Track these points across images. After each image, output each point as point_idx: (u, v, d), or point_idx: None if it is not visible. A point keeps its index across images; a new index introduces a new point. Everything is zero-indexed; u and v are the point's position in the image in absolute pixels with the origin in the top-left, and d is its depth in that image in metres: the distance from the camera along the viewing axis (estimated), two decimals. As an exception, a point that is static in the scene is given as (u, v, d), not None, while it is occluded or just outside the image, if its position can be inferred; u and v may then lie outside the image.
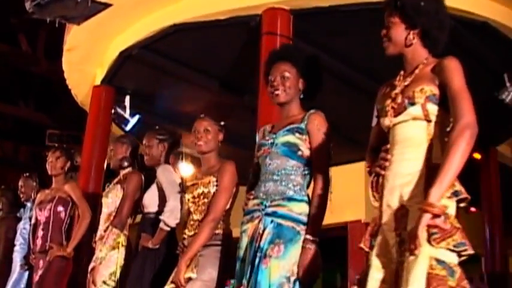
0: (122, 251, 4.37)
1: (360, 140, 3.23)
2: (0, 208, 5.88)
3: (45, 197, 4.98)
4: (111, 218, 4.45)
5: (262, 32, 5.68)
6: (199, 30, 6.15)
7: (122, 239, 4.39)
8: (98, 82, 7.16)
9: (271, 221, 3.20)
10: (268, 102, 4.86)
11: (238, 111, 7.04)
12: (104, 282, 4.29)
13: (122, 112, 7.29)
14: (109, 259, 4.33)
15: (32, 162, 9.62)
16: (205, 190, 3.68)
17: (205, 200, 3.66)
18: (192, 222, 3.72)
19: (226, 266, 3.64)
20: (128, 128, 7.30)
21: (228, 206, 3.64)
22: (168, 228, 4.05)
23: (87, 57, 7.04)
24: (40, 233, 4.86)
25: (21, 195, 5.60)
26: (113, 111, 7.18)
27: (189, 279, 3.48)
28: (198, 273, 3.47)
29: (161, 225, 4.06)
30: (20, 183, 5.63)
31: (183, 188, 3.94)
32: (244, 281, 3.19)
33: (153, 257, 4.09)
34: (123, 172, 4.62)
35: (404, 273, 2.48)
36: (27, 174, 5.70)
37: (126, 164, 4.61)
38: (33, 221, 5.10)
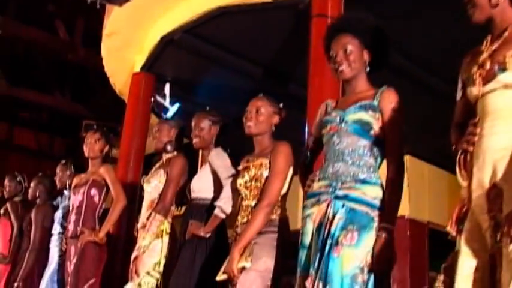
0: (166, 240, 4.09)
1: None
2: (37, 196, 5.62)
3: (79, 181, 4.71)
4: (154, 204, 4.16)
5: (312, 15, 5.35)
6: (245, 13, 5.84)
7: (166, 226, 4.10)
8: (137, 69, 6.90)
9: (343, 205, 2.90)
10: (318, 90, 4.54)
11: (283, 101, 6.71)
12: (148, 273, 4.01)
13: (161, 100, 7.04)
14: (153, 248, 4.05)
15: (67, 154, 9.40)
16: (258, 173, 3.39)
17: (258, 184, 3.38)
18: (244, 208, 3.43)
19: (283, 255, 3.34)
20: (168, 116, 7.02)
21: (284, 191, 3.36)
22: (224, 216, 3.75)
23: (126, 43, 6.80)
24: (72, 217, 4.58)
25: (58, 183, 5.34)
26: (152, 99, 6.89)
27: (243, 268, 3.19)
28: (252, 263, 3.17)
29: (217, 212, 3.75)
30: (57, 170, 5.37)
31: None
32: (312, 271, 2.87)
33: (204, 245, 3.79)
34: (166, 156, 4.33)
35: (505, 263, 2.18)
36: (64, 161, 5.43)
37: (170, 148, 4.33)
38: (70, 207, 4.83)
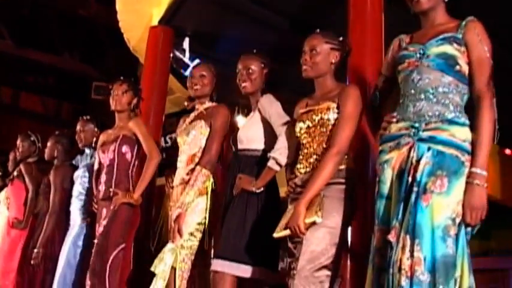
0: (210, 198, 3.70)
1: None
2: (55, 156, 5.21)
3: (107, 138, 4.30)
4: (196, 158, 3.78)
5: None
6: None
7: (211, 183, 3.72)
8: (154, 23, 6.43)
9: (429, 148, 2.56)
10: (358, 43, 4.12)
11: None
12: (191, 234, 3.64)
13: (180, 56, 6.60)
14: (196, 206, 3.67)
15: (75, 119, 9.00)
16: (325, 117, 3.02)
17: (323, 130, 3.05)
18: (306, 157, 3.06)
19: (352, 209, 2.98)
20: (187, 72, 6.58)
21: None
22: (279, 168, 3.37)
23: (143, -5, 6.34)
24: (103, 177, 4.17)
25: (79, 141, 4.92)
26: (171, 55, 6.46)
27: (311, 224, 2.81)
28: (323, 218, 2.79)
29: (271, 164, 3.36)
30: (79, 127, 4.93)
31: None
32: (396, 223, 2.52)
33: (255, 201, 3.41)
34: (204, 106, 3.94)
35: None
36: (88, 117, 5.00)
37: (215, 97, 3.96)
38: (96, 166, 4.43)
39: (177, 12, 6.28)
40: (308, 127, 3.09)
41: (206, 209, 3.69)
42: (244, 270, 3.31)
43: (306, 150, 3.08)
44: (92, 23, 9.47)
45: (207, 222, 3.67)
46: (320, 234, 2.85)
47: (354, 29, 4.29)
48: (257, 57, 3.67)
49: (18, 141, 5.81)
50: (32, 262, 4.86)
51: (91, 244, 4.59)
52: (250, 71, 3.62)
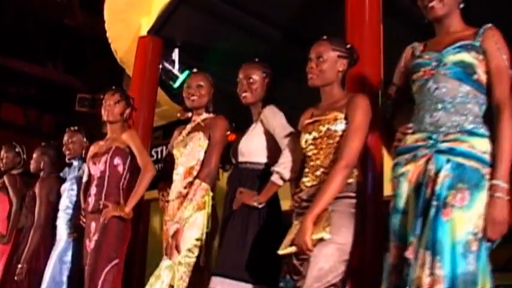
0: (208, 213, 3.55)
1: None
2: (42, 168, 5.01)
3: (99, 149, 4.13)
4: (194, 171, 3.63)
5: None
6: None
7: (209, 198, 3.57)
8: (143, 33, 6.27)
9: (448, 160, 2.43)
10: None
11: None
12: (189, 250, 3.48)
13: (170, 67, 6.43)
14: (194, 221, 3.52)
15: (57, 131, 8.79)
16: (332, 128, 2.88)
17: (330, 141, 2.92)
18: (312, 170, 2.92)
19: (362, 225, 2.85)
20: (177, 85, 6.44)
21: None
22: (282, 183, 3.23)
23: (132, 4, 6.18)
24: (93, 190, 3.99)
25: (68, 152, 4.72)
26: (160, 66, 6.31)
27: (319, 240, 2.68)
28: (331, 234, 2.66)
29: (274, 178, 3.22)
30: (66, 138, 4.73)
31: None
32: (413, 239, 2.39)
33: (256, 217, 3.27)
34: (202, 117, 3.80)
35: None
36: (76, 128, 4.81)
37: (211, 107, 3.83)
38: (85, 178, 4.26)
39: (166, 22, 6.11)
40: (314, 138, 2.96)
41: (204, 225, 3.53)
42: (244, 288, 3.17)
43: (312, 163, 2.95)
44: (77, 33, 9.28)
45: (203, 238, 3.51)
46: (328, 250, 2.71)
47: (352, 39, 4.18)
48: (259, 66, 3.56)
49: (2, 152, 5.60)
50: (15, 278, 4.65)
51: (78, 260, 4.44)
52: (251, 80, 3.50)
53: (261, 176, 3.37)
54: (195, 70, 3.94)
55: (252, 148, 3.43)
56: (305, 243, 2.66)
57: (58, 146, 4.96)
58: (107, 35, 6.72)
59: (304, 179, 2.96)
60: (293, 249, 2.75)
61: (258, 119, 3.48)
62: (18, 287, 4.70)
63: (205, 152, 3.65)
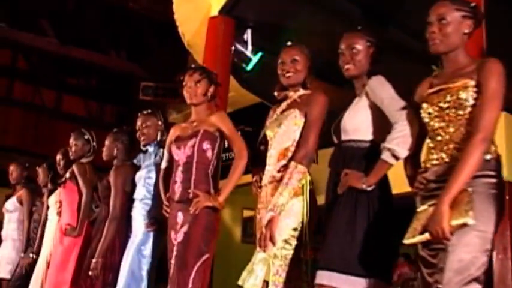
0: (306, 199, 3.17)
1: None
2: (115, 155, 4.67)
3: (183, 132, 3.78)
4: (289, 153, 3.25)
5: None
6: None
7: (307, 181, 3.19)
8: (214, 13, 5.93)
9: None
10: None
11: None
12: (286, 241, 3.11)
13: (242, 49, 6.08)
14: (290, 208, 3.14)
15: (118, 122, 8.54)
16: (463, 96, 2.50)
17: (460, 112, 2.52)
18: (441, 145, 2.55)
19: (502, 208, 2.43)
20: (249, 67, 6.11)
21: None
22: (395, 162, 2.82)
23: (202, -17, 5.85)
24: (179, 177, 3.63)
25: (143, 138, 4.37)
26: (232, 48, 5.95)
27: (459, 227, 2.26)
28: (474, 219, 2.25)
29: (385, 156, 2.83)
30: (140, 122, 4.37)
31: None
32: None
33: (365, 201, 2.88)
34: (298, 93, 3.41)
35: None
36: (149, 111, 4.47)
37: (309, 82, 3.43)
38: (164, 164, 3.92)
39: (238, 1, 5.78)
40: (440, 110, 2.58)
41: (303, 212, 3.15)
42: (356, 283, 2.81)
43: (439, 138, 2.56)
44: (140, 19, 8.99)
45: (304, 227, 3.13)
46: (469, 239, 2.33)
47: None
48: (362, 34, 3.16)
49: (71, 140, 5.31)
50: (89, 273, 4.33)
51: (159, 254, 4.13)
52: (355, 50, 3.12)
53: (367, 155, 2.99)
54: (289, 43, 3.53)
55: (357, 124, 3.04)
56: (442, 230, 2.28)
57: (131, 132, 4.63)
58: (175, 17, 6.42)
59: (431, 157, 2.57)
60: (425, 237, 2.36)
61: (362, 92, 3.09)
62: (92, 282, 4.39)
63: (302, 131, 3.26)
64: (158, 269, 4.25)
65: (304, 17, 5.90)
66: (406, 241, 2.46)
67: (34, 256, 5.67)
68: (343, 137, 3.07)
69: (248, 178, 3.68)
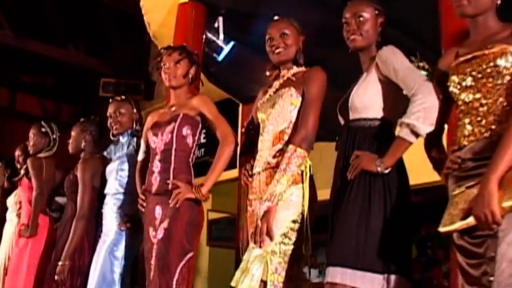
0: (307, 187, 2.84)
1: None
2: (82, 148, 4.28)
3: (161, 117, 3.42)
4: (285, 135, 2.92)
5: None
6: None
7: (307, 167, 2.86)
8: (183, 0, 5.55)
9: None
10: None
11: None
12: (285, 236, 2.77)
13: (213, 37, 5.71)
14: (289, 198, 2.81)
15: (76, 122, 8.07)
16: (501, 64, 2.23)
17: (499, 82, 2.23)
18: (477, 119, 2.25)
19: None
20: (221, 57, 5.74)
21: None
22: (415, 139, 2.51)
23: (170, -33, 5.47)
24: (157, 166, 3.26)
25: (115, 127, 3.95)
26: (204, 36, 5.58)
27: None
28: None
29: (403, 133, 2.51)
30: (112, 110, 3.94)
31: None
32: None
33: (380, 186, 2.56)
34: (292, 71, 3.09)
35: None
36: (123, 97, 4.07)
37: (301, 59, 3.11)
38: (141, 155, 3.54)
39: (210, -15, 5.42)
40: (474, 80, 2.26)
41: (303, 202, 2.82)
42: (374, 281, 2.47)
43: (474, 111, 2.27)
44: (101, 10, 8.53)
45: (305, 218, 2.80)
46: None
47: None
48: (370, 1, 2.84)
49: (30, 134, 4.91)
50: (56, 277, 3.92)
51: (133, 254, 3.75)
52: (362, 19, 2.80)
53: (380, 135, 2.67)
54: (276, 17, 3.20)
55: (367, 101, 2.71)
56: (492, 213, 1.97)
57: (100, 121, 4.24)
58: (140, 4, 6.01)
59: (465, 132, 2.27)
60: (468, 222, 2.04)
61: (371, 66, 2.77)
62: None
63: (300, 112, 2.93)
64: (132, 272, 3.89)
65: (280, 4, 5.58)
66: (443, 229, 2.14)
67: None
68: (352, 116, 2.74)
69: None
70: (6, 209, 5.14)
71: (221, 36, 5.74)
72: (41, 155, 4.84)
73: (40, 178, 4.66)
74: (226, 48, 5.76)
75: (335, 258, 2.52)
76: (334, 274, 2.48)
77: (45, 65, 9.21)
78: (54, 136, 4.89)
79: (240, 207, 6.41)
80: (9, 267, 4.69)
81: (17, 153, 5.27)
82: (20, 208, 4.83)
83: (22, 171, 4.96)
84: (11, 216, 5.00)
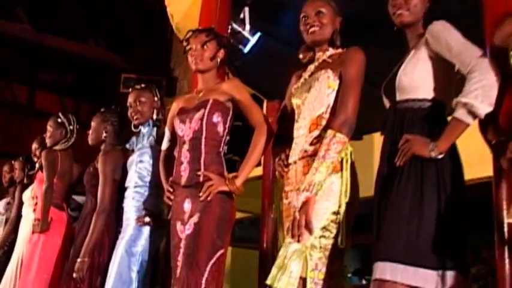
0: (348, 176, 2.60)
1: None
2: (103, 139, 4.06)
3: (187, 103, 3.19)
4: (322, 121, 2.69)
5: None
6: None
7: (348, 154, 2.63)
8: (208, -10, 5.34)
9: None
10: None
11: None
12: (326, 229, 2.53)
13: (239, 29, 5.48)
14: (329, 188, 2.57)
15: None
16: None
17: None
18: None
19: None
20: (247, 49, 5.51)
21: None
22: (471, 121, 2.27)
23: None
24: (185, 156, 3.03)
25: (136, 117, 3.73)
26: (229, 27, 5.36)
27: None
28: None
29: (460, 114, 2.27)
30: (132, 99, 3.73)
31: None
32: None
33: (433, 173, 2.32)
34: (327, 53, 2.86)
35: None
36: (143, 85, 3.84)
37: (338, 40, 2.89)
38: (165, 144, 3.32)
39: (235, -25, 5.21)
40: None
41: (344, 191, 2.58)
42: (428, 278, 2.24)
43: None
44: (122, 5, 8.37)
45: (342, 210, 2.57)
46: None
47: None
48: None
49: (47, 126, 4.71)
50: (74, 275, 3.69)
51: (153, 251, 3.53)
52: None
53: (431, 117, 2.43)
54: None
55: (416, 80, 2.47)
56: None
57: (121, 112, 4.02)
58: (164, -5, 5.82)
59: None
60: None
61: (419, 43, 2.53)
62: (77, 286, 3.73)
63: (338, 95, 2.70)
64: (153, 271, 3.65)
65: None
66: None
67: None
68: (399, 97, 2.50)
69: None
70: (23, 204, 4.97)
71: (247, 27, 5.52)
72: (57, 147, 4.62)
73: (51, 171, 4.44)
74: (253, 40, 5.53)
75: (384, 253, 2.28)
76: (383, 270, 2.24)
77: (64, 61, 9.08)
78: (72, 127, 4.67)
79: (264, 207, 6.20)
80: (22, 264, 4.49)
81: (34, 146, 5.09)
82: (36, 203, 4.62)
83: (37, 165, 4.76)
84: (27, 212, 4.81)
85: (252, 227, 8.30)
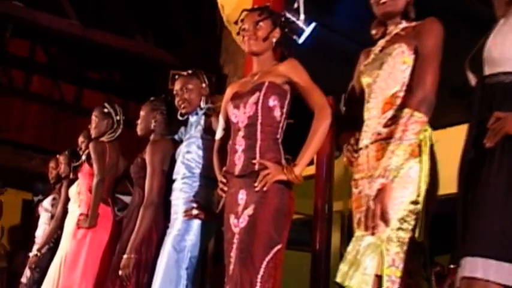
0: (427, 158, 2.31)
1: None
2: (152, 129, 3.82)
3: (242, 87, 2.95)
4: (397, 100, 2.42)
5: None
6: None
7: (427, 136, 2.34)
8: (259, -21, 5.11)
9: None
10: None
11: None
12: (403, 220, 2.24)
13: (293, 18, 5.23)
14: (407, 174, 2.29)
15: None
16: None
17: None
18: None
19: None
20: (301, 40, 5.25)
21: None
22: None
23: None
24: (240, 144, 2.79)
25: (183, 105, 3.48)
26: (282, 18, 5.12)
27: None
28: None
29: None
30: (179, 86, 3.47)
31: None
32: None
33: None
34: (400, 26, 2.63)
35: None
36: (190, 71, 3.61)
37: (412, 13, 2.64)
38: (219, 132, 3.07)
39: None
40: None
41: (423, 178, 2.28)
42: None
43: None
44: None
45: (421, 199, 2.27)
46: None
47: None
48: None
49: (92, 117, 4.52)
50: (120, 273, 3.46)
51: (203, 246, 3.28)
52: None
53: None
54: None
55: (509, 51, 2.16)
56: None
57: (171, 101, 3.79)
58: (215, -14, 5.63)
59: None
60: None
61: (509, 11, 2.24)
62: (123, 284, 3.50)
63: (413, 70, 2.43)
64: (203, 268, 3.48)
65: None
66: None
67: (38, 253, 5.01)
68: (488, 71, 2.19)
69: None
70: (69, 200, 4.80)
71: (301, 16, 5.27)
72: (104, 138, 4.43)
73: (102, 163, 4.25)
74: (307, 30, 5.27)
75: (475, 247, 1.98)
76: (474, 267, 1.94)
77: (112, 59, 8.96)
78: (118, 118, 4.47)
79: (316, 207, 5.92)
80: (66, 261, 4.29)
81: (80, 139, 4.93)
82: (81, 198, 4.44)
83: (83, 157, 4.58)
84: (73, 208, 4.62)
85: (305, 229, 8.02)
